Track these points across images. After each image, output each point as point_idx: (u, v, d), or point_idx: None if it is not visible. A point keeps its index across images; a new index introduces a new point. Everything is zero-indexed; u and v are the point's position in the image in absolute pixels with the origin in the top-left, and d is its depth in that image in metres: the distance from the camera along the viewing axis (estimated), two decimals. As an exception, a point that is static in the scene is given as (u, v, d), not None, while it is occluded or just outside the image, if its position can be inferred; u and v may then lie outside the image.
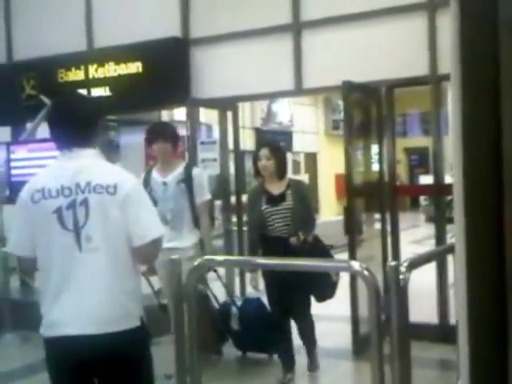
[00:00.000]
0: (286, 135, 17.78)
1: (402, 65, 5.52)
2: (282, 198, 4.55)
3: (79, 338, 2.47)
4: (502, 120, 1.49)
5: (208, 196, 4.67)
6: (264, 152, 4.61)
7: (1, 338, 6.23)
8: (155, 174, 4.67)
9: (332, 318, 6.07)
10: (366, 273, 2.51)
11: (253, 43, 6.24)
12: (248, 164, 18.35)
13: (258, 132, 16.90)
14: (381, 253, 5.63)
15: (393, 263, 2.50)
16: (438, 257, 3.12)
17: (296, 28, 6.04)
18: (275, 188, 4.60)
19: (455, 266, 1.69)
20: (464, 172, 1.53)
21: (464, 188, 1.53)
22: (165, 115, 13.19)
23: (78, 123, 2.60)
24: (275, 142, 5.16)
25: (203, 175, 4.78)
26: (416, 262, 2.74)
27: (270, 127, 17.13)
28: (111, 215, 2.51)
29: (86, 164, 2.58)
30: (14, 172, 6.49)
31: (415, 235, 11.72)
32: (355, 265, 2.60)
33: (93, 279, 2.50)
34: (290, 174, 20.55)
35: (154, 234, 2.59)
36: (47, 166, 2.78)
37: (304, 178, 18.77)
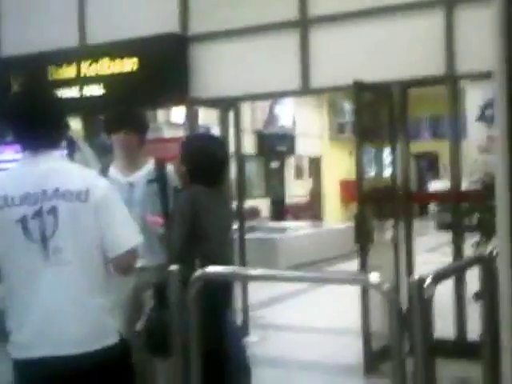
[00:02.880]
0: (289, 139, 17.74)
1: (417, 64, 5.41)
2: None
3: (53, 360, 2.38)
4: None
5: None
6: None
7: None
8: (115, 173, 3.86)
9: (341, 332, 5.98)
10: (385, 287, 2.39)
11: (256, 40, 6.12)
12: (247, 169, 18.36)
13: (259, 135, 16.84)
14: (393, 262, 5.50)
15: (416, 277, 2.38)
16: (465, 269, 3.00)
17: (303, 24, 5.92)
18: None
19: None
20: (510, 178, 1.43)
21: (510, 196, 1.44)
22: (160, 116, 13.13)
23: (44, 121, 2.48)
24: (192, 141, 3.85)
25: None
26: (441, 276, 2.62)
27: (272, 130, 17.07)
28: (83, 224, 2.41)
29: (53, 168, 2.46)
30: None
31: (426, 244, 11.61)
32: (374, 278, 2.47)
33: (63, 294, 2.40)
34: (291, 180, 20.40)
35: (130, 242, 2.50)
36: (9, 169, 2.67)
37: (307, 183, 18.70)
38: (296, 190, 18.10)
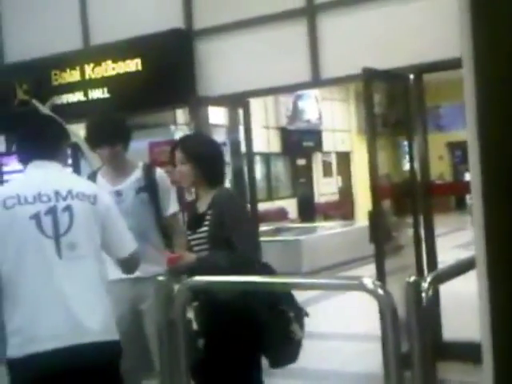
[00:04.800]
0: (315, 134, 17.53)
1: (432, 48, 5.23)
2: (201, 219, 3.37)
3: (70, 350, 2.49)
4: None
5: (177, 206, 3.84)
6: (178, 154, 3.44)
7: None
8: (102, 181, 3.76)
9: (361, 338, 5.84)
10: (380, 291, 2.25)
11: (263, 31, 6.00)
12: (274, 168, 18.13)
13: (284, 132, 16.68)
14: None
15: (412, 279, 2.24)
16: (472, 267, 2.85)
17: (310, 11, 5.79)
18: (202, 203, 3.44)
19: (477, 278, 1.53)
20: (482, 171, 1.38)
21: (483, 188, 1.39)
22: (180, 117, 12.96)
23: (46, 143, 2.83)
24: (197, 136, 4.32)
25: (168, 179, 3.84)
26: (444, 276, 2.47)
27: (297, 126, 16.89)
28: (93, 224, 2.72)
29: (61, 174, 2.85)
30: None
31: (460, 239, 11.33)
32: (367, 282, 2.33)
33: (81, 284, 2.60)
34: (319, 177, 20.01)
35: (134, 245, 2.89)
36: (17, 177, 3.07)
37: (336, 180, 18.49)
38: (325, 188, 17.90)
